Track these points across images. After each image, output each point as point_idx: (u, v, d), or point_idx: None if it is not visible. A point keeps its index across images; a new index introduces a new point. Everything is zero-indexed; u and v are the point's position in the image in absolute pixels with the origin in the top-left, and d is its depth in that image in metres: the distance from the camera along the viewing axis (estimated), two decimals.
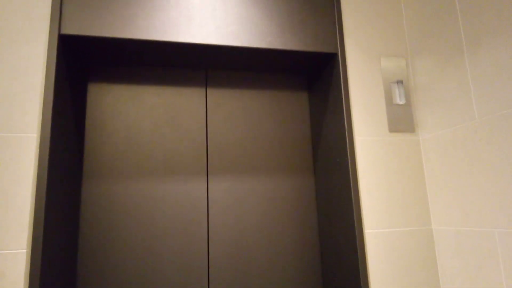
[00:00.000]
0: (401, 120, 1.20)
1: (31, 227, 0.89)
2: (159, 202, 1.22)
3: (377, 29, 1.26)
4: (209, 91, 1.35)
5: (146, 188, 1.22)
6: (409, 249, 1.11)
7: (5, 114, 0.93)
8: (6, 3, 0.99)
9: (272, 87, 1.41)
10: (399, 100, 1.22)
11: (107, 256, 1.15)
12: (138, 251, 1.17)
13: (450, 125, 1.09)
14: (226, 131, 1.33)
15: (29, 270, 0.87)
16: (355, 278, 1.07)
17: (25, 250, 0.88)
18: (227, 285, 1.22)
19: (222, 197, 1.27)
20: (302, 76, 1.46)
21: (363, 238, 1.08)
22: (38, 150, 0.93)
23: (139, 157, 1.23)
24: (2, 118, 0.93)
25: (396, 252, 1.10)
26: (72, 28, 1.01)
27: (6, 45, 0.97)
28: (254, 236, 1.27)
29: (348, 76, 1.19)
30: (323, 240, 1.29)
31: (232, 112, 1.35)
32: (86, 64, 1.25)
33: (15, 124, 0.93)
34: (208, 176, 1.28)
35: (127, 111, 1.26)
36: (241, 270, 1.24)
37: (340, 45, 1.21)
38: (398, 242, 1.11)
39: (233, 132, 1.33)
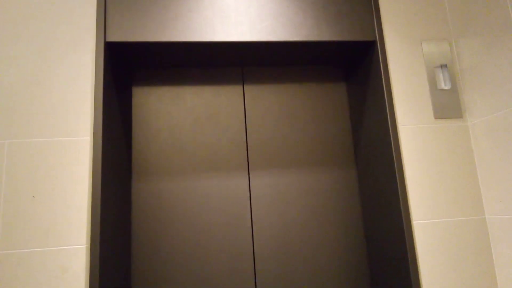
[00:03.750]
0: (447, 105, 1.15)
1: (89, 224, 0.95)
2: (204, 197, 1.26)
3: (417, 13, 1.21)
4: (246, 87, 1.36)
5: (190, 185, 1.26)
6: (461, 239, 1.06)
7: (60, 120, 1.00)
8: (55, 15, 1.06)
9: (309, 79, 1.41)
10: (444, 85, 1.17)
11: (157, 249, 1.21)
12: (185, 244, 1.22)
13: (501, 108, 1.03)
14: (265, 126, 1.34)
15: (89, 264, 0.93)
16: (405, 271, 1.04)
17: (84, 246, 0.94)
18: (273, 277, 1.23)
19: (264, 192, 1.29)
20: (339, 67, 1.44)
21: (411, 229, 1.05)
22: (91, 151, 0.99)
23: (183, 155, 1.28)
24: (58, 123, 1.00)
25: (447, 243, 1.06)
26: (117, 35, 1.07)
27: (57, 54, 1.04)
28: (298, 230, 1.28)
29: (388, 63, 1.16)
30: (369, 232, 1.27)
31: (270, 107, 1.36)
32: (130, 69, 1.31)
33: (70, 128, 1.00)
34: (250, 171, 1.30)
35: (170, 111, 1.31)
36: (287, 263, 1.25)
37: (379, 32, 1.17)
38: (449, 233, 1.06)
39: (272, 126, 1.34)
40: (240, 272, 1.22)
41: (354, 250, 1.29)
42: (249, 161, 1.30)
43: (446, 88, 1.16)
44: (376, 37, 1.17)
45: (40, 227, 0.94)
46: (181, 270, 1.20)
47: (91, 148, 0.99)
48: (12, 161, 0.96)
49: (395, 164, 1.08)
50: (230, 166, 1.29)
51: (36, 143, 0.98)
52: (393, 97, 1.14)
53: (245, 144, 1.32)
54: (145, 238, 1.21)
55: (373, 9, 1.19)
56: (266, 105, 1.36)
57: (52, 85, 1.02)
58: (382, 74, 1.14)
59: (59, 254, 0.93)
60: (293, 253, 1.26)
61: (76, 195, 0.96)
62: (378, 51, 1.16)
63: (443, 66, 1.18)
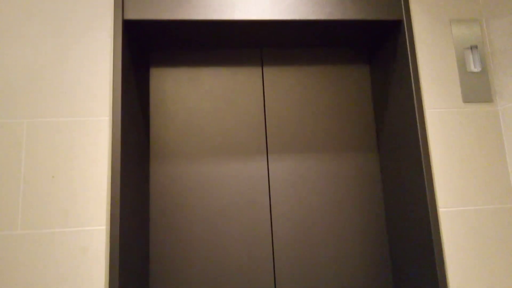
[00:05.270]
0: (477, 89, 1.10)
1: (109, 204, 0.94)
2: (221, 181, 1.24)
3: None
4: (265, 69, 1.33)
5: (208, 168, 1.24)
6: (490, 228, 1.03)
7: (79, 99, 0.98)
8: None
9: (330, 61, 1.36)
10: (474, 67, 1.11)
11: (175, 231, 1.20)
12: (203, 228, 1.21)
13: None
14: (284, 109, 1.30)
15: (109, 245, 0.92)
16: (430, 261, 1.01)
17: (104, 227, 0.93)
18: (292, 263, 1.22)
19: (283, 176, 1.26)
20: (362, 48, 1.38)
21: (437, 217, 1.01)
22: (111, 132, 0.97)
23: (201, 138, 1.26)
24: (77, 102, 0.98)
25: (475, 232, 1.02)
26: (135, 13, 1.04)
27: (75, 32, 1.02)
28: (317, 216, 1.25)
29: (415, 44, 1.11)
30: (391, 220, 1.24)
31: (289, 89, 1.32)
32: (148, 49, 1.28)
33: (88, 108, 0.98)
34: (268, 155, 1.27)
35: (187, 93, 1.28)
36: (306, 248, 1.23)
37: (406, 11, 1.12)
38: (476, 221, 1.03)
39: (291, 110, 1.31)
40: (258, 257, 1.21)
41: (375, 238, 1.26)
42: (267, 144, 1.28)
43: (476, 70, 1.11)
44: (403, 17, 1.12)
45: (59, 208, 0.93)
46: (199, 253, 1.19)
47: (110, 128, 0.98)
48: (31, 141, 0.95)
49: (421, 149, 1.04)
50: (249, 150, 1.27)
51: (55, 123, 0.96)
52: (420, 79, 1.09)
53: (264, 127, 1.29)
54: (163, 220, 1.20)
55: None
56: (285, 87, 1.32)
57: (70, 64, 1.00)
58: (409, 56, 1.09)
59: (79, 234, 0.93)
60: (312, 239, 1.24)
61: (96, 176, 0.95)
62: (405, 31, 1.11)
63: (473, 48, 1.13)
